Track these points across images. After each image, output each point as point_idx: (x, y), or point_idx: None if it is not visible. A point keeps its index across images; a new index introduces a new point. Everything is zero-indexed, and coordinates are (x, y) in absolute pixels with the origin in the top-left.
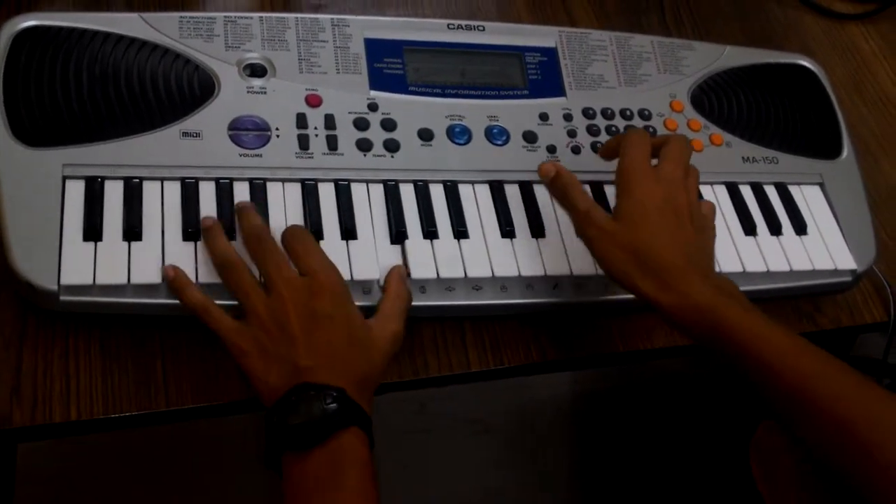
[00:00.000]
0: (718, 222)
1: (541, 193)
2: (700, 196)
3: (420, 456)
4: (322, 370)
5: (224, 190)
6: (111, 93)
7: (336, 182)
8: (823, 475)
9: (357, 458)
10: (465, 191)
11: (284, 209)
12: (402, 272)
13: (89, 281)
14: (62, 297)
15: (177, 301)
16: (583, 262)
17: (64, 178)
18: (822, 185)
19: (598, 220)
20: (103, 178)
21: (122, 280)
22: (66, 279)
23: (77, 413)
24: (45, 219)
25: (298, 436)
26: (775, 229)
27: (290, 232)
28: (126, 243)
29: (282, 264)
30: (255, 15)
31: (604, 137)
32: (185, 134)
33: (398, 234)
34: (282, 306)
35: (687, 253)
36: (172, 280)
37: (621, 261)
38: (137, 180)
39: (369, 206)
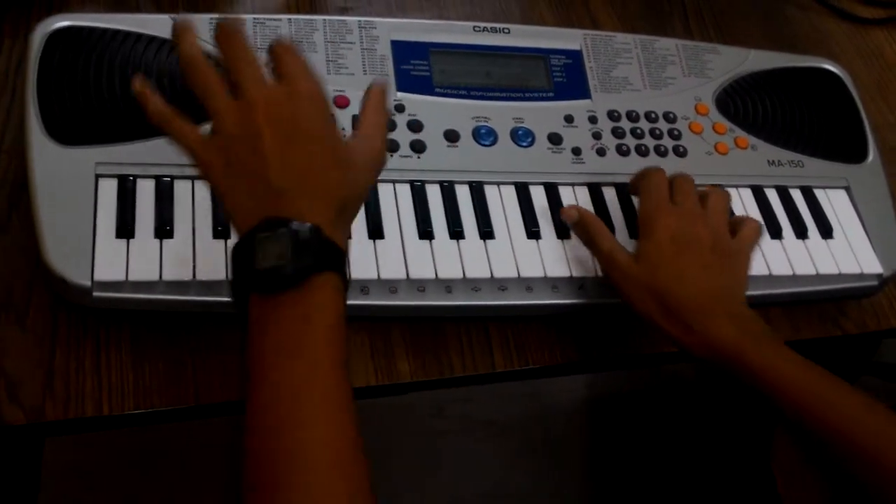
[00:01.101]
0: None
1: (566, 195)
2: (731, 213)
3: (436, 457)
4: (297, 194)
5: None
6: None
7: None
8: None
9: (329, 308)
10: (490, 192)
11: None
12: (383, 85)
13: (122, 277)
14: (95, 294)
15: (208, 298)
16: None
17: (97, 177)
18: (847, 189)
19: (620, 262)
20: (135, 177)
21: (154, 277)
22: (100, 275)
23: (109, 408)
24: (78, 216)
25: (265, 280)
26: (801, 233)
27: (277, 41)
28: (158, 241)
29: (255, 65)
30: (284, 17)
31: (629, 140)
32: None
33: (424, 234)
34: (252, 113)
35: (707, 289)
36: (139, 91)
37: (644, 302)
38: (168, 179)
39: (396, 206)
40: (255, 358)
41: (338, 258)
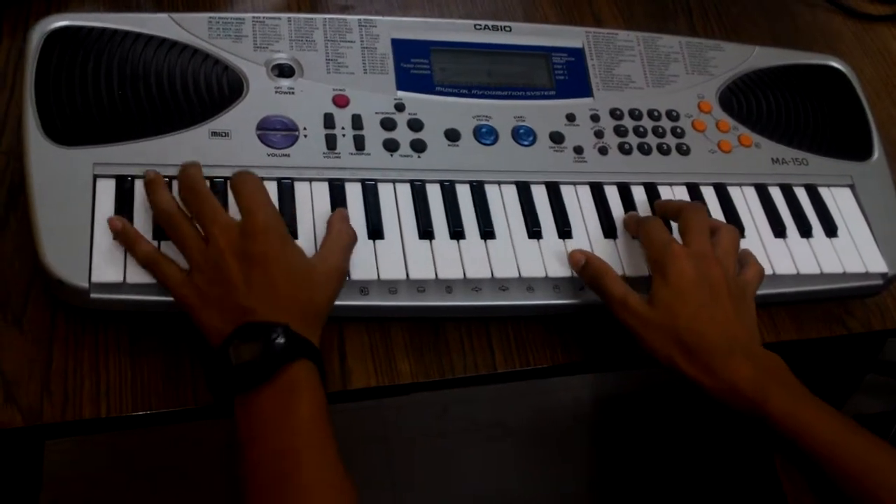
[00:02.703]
0: (748, 225)
1: (568, 194)
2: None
3: (440, 458)
4: (264, 308)
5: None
6: (141, 92)
7: (363, 182)
8: None
9: (307, 388)
10: (491, 191)
11: (312, 209)
12: (343, 213)
13: (119, 279)
14: (93, 295)
15: None
16: (610, 264)
17: (94, 177)
18: (852, 187)
19: (634, 307)
20: (133, 177)
21: (152, 278)
22: (97, 277)
23: (107, 410)
24: (76, 217)
25: (243, 376)
26: (805, 231)
27: (236, 175)
28: (155, 242)
29: (216, 211)
30: (284, 16)
31: (631, 138)
32: (214, 134)
33: (425, 234)
34: (217, 251)
35: (727, 332)
36: (120, 232)
37: (663, 346)
38: (167, 179)
39: (396, 205)
40: (243, 453)
41: (308, 348)
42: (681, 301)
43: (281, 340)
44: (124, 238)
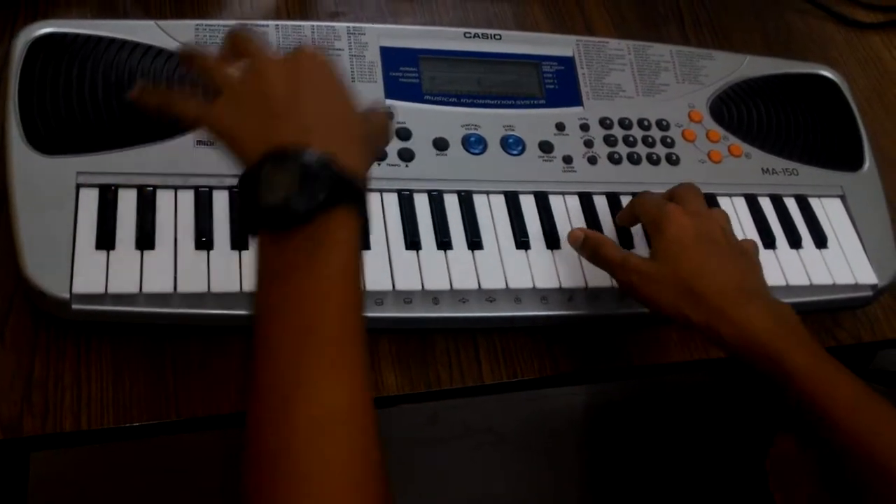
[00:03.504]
0: (737, 235)
1: (557, 204)
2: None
3: (432, 465)
4: (305, 128)
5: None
6: (126, 101)
7: None
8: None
9: (341, 249)
10: (479, 201)
11: None
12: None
13: (101, 290)
14: (74, 306)
15: (188, 310)
16: (598, 275)
17: (78, 186)
18: (843, 198)
19: (636, 264)
20: (117, 187)
21: (134, 289)
22: (79, 288)
23: (87, 422)
24: (58, 227)
25: (270, 217)
26: (795, 242)
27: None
28: (139, 252)
29: (265, 45)
30: (272, 23)
31: (621, 148)
32: (200, 142)
33: (412, 244)
34: (261, 67)
35: (735, 276)
36: (138, 97)
37: (670, 297)
38: (151, 189)
39: (383, 215)
40: (260, 302)
41: (352, 190)
42: (684, 251)
43: (322, 178)
44: (140, 98)
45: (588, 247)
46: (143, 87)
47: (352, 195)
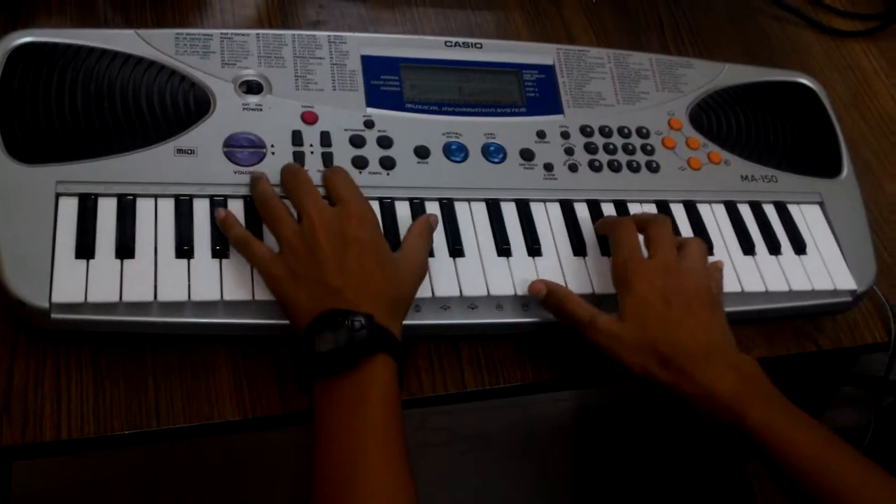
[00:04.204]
0: (717, 242)
1: (538, 211)
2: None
3: (420, 470)
4: (351, 291)
5: (218, 207)
6: (106, 109)
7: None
8: None
9: (382, 385)
10: (461, 209)
11: None
12: (432, 220)
13: (81, 299)
14: (53, 315)
15: (168, 319)
16: (579, 282)
17: (57, 195)
18: (821, 205)
19: (604, 326)
20: (97, 196)
21: (114, 298)
22: (58, 297)
23: (68, 432)
24: (37, 236)
25: (326, 363)
26: (774, 249)
27: (329, 169)
28: (119, 261)
29: (314, 194)
30: (252, 32)
31: (602, 156)
32: (180, 151)
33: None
34: (311, 230)
35: (703, 338)
36: (223, 220)
37: (638, 358)
38: (131, 197)
39: None
40: (319, 435)
41: (390, 341)
42: (651, 312)
43: (364, 332)
44: (224, 223)
45: (552, 302)
46: (230, 217)
47: (388, 345)
